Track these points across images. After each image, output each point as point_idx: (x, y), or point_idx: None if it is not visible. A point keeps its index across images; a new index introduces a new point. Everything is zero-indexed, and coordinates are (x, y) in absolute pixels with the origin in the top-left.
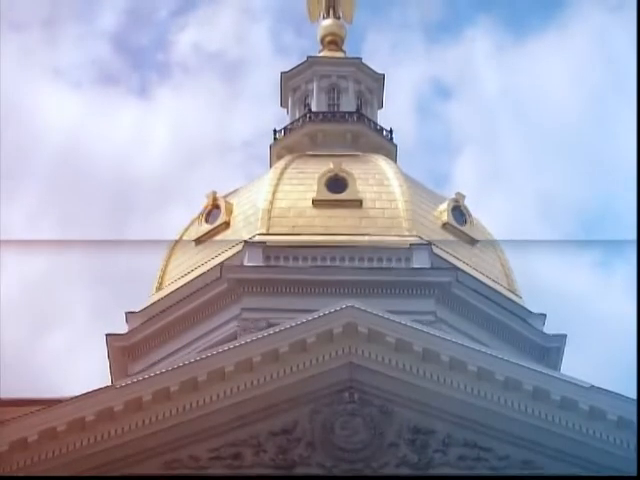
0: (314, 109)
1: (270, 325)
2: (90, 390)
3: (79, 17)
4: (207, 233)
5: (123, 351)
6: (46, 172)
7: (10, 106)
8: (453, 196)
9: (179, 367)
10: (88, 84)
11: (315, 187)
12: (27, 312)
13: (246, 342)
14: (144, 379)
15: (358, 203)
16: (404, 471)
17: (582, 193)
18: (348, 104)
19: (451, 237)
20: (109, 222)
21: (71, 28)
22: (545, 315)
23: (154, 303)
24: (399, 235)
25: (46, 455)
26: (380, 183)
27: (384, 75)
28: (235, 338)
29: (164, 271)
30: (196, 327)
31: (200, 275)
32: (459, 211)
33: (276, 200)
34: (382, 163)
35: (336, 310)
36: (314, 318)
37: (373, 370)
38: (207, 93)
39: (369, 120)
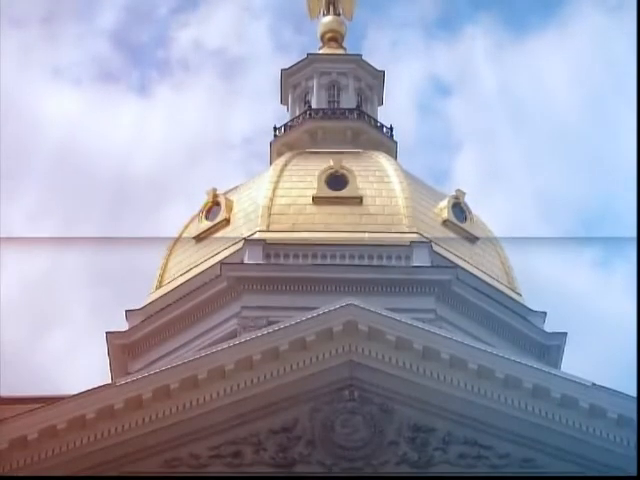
0: (314, 106)
1: (270, 323)
2: (90, 388)
3: (79, 14)
4: (207, 230)
5: (123, 349)
6: (46, 170)
7: (10, 104)
8: (453, 193)
9: (179, 365)
10: (88, 81)
11: (315, 184)
12: (27, 310)
13: (246, 340)
14: (144, 377)
15: (358, 200)
16: (404, 469)
17: (582, 191)
18: (348, 101)
19: (451, 234)
20: (109, 220)
21: (71, 25)
22: (545, 313)
23: (154, 301)
24: (399, 232)
25: (46, 453)
26: (380, 180)
27: (384, 72)
28: (235, 336)
29: (164, 269)
30: (196, 325)
31: (200, 273)
32: (459, 208)
33: (276, 197)
34: (382, 160)
35: (336, 308)
36: (314, 316)
37: (373, 368)
38: (207, 90)
39: (369, 117)
